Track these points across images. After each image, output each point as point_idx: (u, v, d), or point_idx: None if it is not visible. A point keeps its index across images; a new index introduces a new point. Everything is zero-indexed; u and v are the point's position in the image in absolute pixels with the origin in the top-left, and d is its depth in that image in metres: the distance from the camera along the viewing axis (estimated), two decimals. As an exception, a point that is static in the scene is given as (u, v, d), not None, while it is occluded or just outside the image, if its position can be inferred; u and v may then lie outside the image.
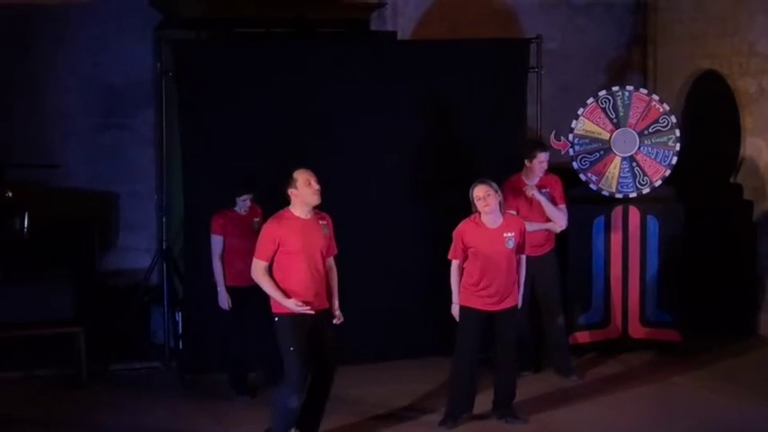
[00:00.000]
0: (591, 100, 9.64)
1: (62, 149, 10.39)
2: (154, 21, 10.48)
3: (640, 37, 11.77)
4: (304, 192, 6.94)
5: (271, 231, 6.99)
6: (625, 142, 9.61)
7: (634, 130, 9.61)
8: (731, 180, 10.70)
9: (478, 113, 9.57)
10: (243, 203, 8.42)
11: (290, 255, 6.95)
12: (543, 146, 8.92)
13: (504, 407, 7.88)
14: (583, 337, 9.52)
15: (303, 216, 7.01)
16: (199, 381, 8.85)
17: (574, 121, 9.59)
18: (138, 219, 10.64)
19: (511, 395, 7.90)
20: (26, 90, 10.35)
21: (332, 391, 7.20)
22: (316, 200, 6.99)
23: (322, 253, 7.08)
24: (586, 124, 9.53)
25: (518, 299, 7.84)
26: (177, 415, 8.12)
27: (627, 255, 9.62)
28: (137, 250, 10.56)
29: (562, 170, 9.30)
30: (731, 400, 8.34)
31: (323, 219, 7.15)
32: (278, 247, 6.95)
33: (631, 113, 9.58)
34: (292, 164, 8.54)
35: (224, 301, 8.36)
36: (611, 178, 9.58)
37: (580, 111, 9.62)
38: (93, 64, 10.51)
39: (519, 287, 7.82)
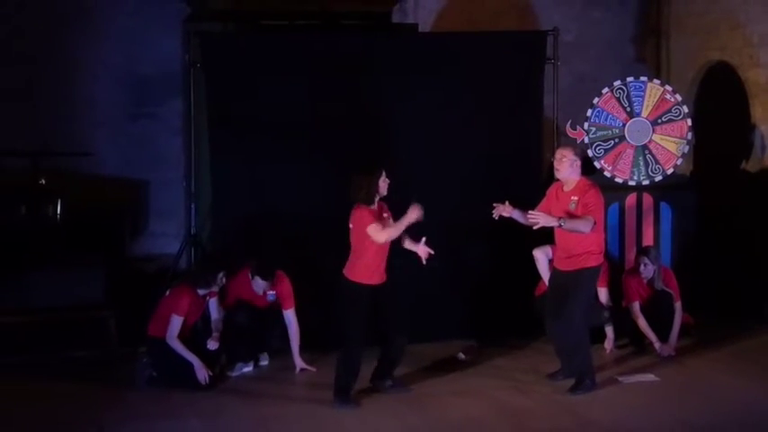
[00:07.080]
0: (606, 90, 9.73)
1: (94, 138, 10.43)
2: (182, 13, 10.57)
3: (654, 29, 11.73)
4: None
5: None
6: (639, 131, 9.69)
7: (647, 119, 9.68)
8: (741, 168, 10.67)
9: (497, 103, 9.59)
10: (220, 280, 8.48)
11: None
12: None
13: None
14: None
15: None
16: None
17: (589, 111, 9.71)
18: (167, 205, 10.72)
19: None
20: (59, 81, 10.40)
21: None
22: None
23: None
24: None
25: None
26: (203, 394, 8.07)
27: (641, 239, 9.67)
28: (166, 236, 10.64)
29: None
30: (744, 381, 8.24)
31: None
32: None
33: (645, 103, 9.67)
34: (318, 154, 9.13)
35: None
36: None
37: (595, 100, 9.72)
38: (124, 55, 10.58)
39: None
